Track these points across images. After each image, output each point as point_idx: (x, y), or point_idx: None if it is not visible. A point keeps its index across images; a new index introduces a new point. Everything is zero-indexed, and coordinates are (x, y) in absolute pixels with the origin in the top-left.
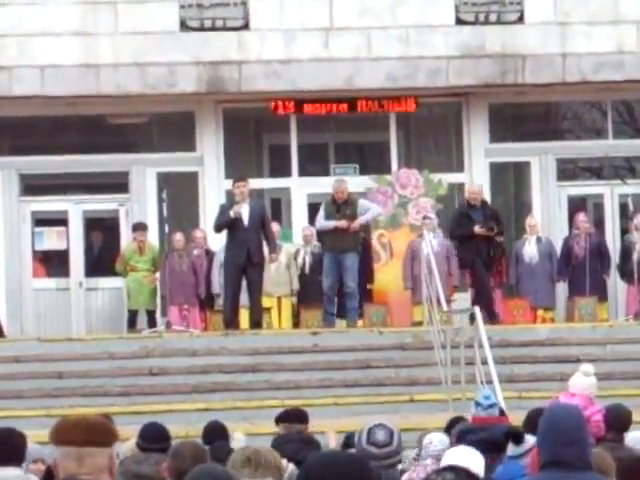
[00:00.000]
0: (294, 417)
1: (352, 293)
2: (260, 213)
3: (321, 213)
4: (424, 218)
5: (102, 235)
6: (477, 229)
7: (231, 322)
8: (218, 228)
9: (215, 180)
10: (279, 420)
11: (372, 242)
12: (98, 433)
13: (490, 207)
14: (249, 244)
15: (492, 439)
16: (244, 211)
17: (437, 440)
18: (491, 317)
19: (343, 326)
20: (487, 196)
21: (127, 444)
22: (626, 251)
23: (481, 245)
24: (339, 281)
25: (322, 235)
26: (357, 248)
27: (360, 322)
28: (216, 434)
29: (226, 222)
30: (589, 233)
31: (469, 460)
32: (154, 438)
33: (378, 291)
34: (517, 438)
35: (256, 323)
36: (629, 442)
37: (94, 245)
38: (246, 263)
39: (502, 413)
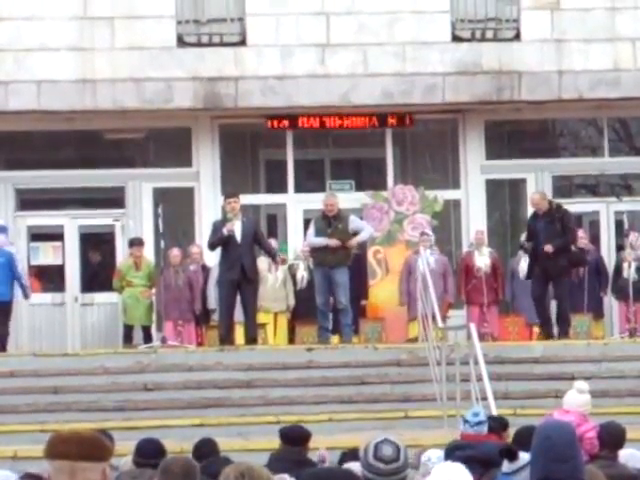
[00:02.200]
0: (288, 439)
1: (345, 309)
2: (252, 229)
3: (311, 230)
4: (422, 234)
5: (98, 250)
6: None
7: (226, 339)
8: (212, 246)
9: (211, 196)
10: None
11: (368, 258)
12: (91, 448)
13: (555, 211)
14: (243, 261)
15: (480, 456)
16: (236, 228)
17: (436, 457)
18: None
19: (338, 342)
20: (482, 213)
21: (124, 459)
22: (619, 268)
23: (544, 259)
24: (331, 296)
25: (312, 250)
26: (346, 263)
27: (355, 338)
28: (208, 450)
29: (219, 240)
30: (588, 250)
31: (456, 476)
32: (150, 454)
33: (373, 307)
34: (511, 455)
35: (251, 339)
36: (623, 459)
37: (90, 260)
38: (240, 279)
39: (504, 428)
